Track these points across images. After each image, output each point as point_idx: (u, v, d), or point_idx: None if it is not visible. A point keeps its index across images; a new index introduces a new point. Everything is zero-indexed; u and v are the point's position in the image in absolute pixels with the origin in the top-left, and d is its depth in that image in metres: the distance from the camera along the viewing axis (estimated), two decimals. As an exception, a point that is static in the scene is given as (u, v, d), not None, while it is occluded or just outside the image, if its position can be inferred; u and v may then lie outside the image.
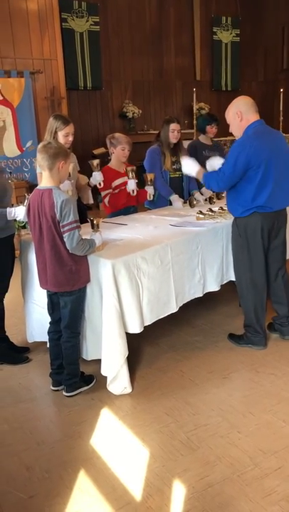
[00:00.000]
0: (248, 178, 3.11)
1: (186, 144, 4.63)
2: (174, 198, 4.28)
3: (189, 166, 3.56)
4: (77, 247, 2.71)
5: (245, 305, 3.44)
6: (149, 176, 4.05)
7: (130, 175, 3.90)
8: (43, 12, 6.62)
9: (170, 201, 4.33)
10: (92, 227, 2.99)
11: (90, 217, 3.07)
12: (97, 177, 3.77)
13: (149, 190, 4.08)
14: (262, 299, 3.38)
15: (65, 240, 2.70)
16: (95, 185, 3.87)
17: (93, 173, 3.76)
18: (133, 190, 3.94)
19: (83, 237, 2.77)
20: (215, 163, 3.38)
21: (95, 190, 4.02)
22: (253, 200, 3.14)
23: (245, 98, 3.21)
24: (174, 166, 4.33)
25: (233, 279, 3.68)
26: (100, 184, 3.81)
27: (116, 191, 4.02)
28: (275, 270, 3.42)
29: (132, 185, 3.91)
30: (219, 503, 2.09)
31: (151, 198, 4.16)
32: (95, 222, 2.98)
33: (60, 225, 2.68)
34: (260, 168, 3.06)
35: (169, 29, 9.70)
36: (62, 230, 2.69)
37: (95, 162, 3.74)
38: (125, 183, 3.97)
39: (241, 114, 3.12)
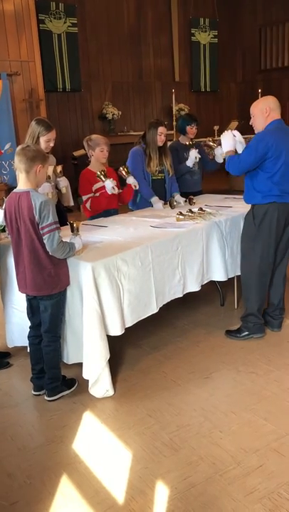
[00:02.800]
0: (268, 168, 3.24)
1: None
2: (155, 199, 4.29)
3: (229, 141, 3.50)
4: (57, 249, 2.70)
5: (249, 293, 3.50)
6: (123, 169, 4.06)
7: (103, 178, 3.88)
8: (20, 13, 6.59)
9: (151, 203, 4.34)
10: (72, 231, 2.97)
11: (70, 220, 3.05)
12: (60, 183, 3.75)
13: (131, 180, 4.08)
14: (266, 288, 3.51)
15: (45, 241, 2.68)
16: (76, 188, 3.85)
17: (57, 180, 3.74)
18: (113, 187, 3.91)
19: (63, 240, 2.75)
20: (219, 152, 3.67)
21: (76, 193, 4.00)
22: (271, 188, 3.27)
23: (274, 97, 3.38)
24: (157, 168, 4.34)
25: (214, 279, 3.71)
26: (64, 189, 3.78)
27: (97, 194, 4.01)
28: (279, 259, 3.51)
29: (109, 185, 3.89)
30: (202, 502, 2.10)
31: (137, 187, 4.14)
32: (74, 225, 2.96)
33: (40, 227, 2.66)
34: (280, 159, 3.21)
35: (147, 30, 9.74)
36: (41, 232, 2.67)
37: (58, 168, 3.72)
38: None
39: (269, 110, 3.27)
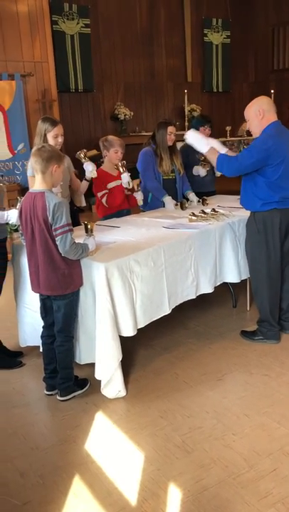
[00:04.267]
0: (268, 173, 3.17)
1: (178, 145, 4.63)
2: (167, 199, 4.28)
3: (198, 140, 3.43)
4: (69, 251, 2.70)
5: (261, 300, 3.46)
6: (135, 183, 4.05)
7: (122, 169, 3.88)
8: (34, 14, 6.61)
9: (163, 202, 4.33)
10: (86, 232, 2.97)
11: (84, 221, 3.06)
12: (88, 167, 3.72)
13: (138, 196, 4.10)
14: (277, 294, 3.45)
15: (57, 243, 2.69)
16: (90, 186, 3.86)
17: (84, 165, 3.72)
18: (128, 183, 3.90)
19: (76, 241, 2.76)
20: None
21: (87, 193, 4.00)
22: (272, 195, 3.20)
23: (267, 98, 3.30)
24: (169, 168, 4.33)
25: (227, 280, 3.69)
26: (93, 172, 3.75)
27: (111, 192, 4.01)
28: (285, 263, 3.46)
29: (125, 178, 3.88)
30: (215, 506, 2.09)
31: (142, 203, 4.20)
32: (89, 226, 2.97)
33: (53, 228, 2.67)
34: (281, 165, 3.14)
35: (159, 30, 9.71)
36: (54, 234, 2.67)
37: (82, 153, 3.71)
38: (119, 186, 3.95)
39: (263, 113, 3.18)
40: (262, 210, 3.26)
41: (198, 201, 4.33)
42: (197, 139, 3.46)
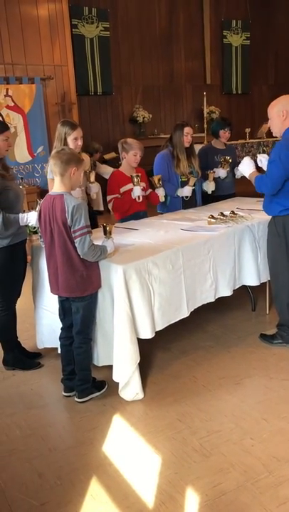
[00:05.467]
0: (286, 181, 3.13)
1: (197, 148, 4.62)
2: (180, 191, 4.25)
3: (246, 166, 3.50)
4: (88, 253, 2.71)
5: (281, 304, 3.43)
6: (156, 178, 4.08)
7: (135, 181, 3.90)
8: (54, 19, 6.68)
9: (182, 204, 4.31)
10: (105, 234, 2.98)
11: (103, 223, 3.07)
12: (92, 189, 3.85)
13: (160, 192, 4.13)
14: None
15: (76, 245, 2.70)
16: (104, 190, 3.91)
17: (88, 185, 3.83)
18: (139, 197, 3.93)
19: (95, 243, 2.77)
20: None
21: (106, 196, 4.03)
22: None
23: None
24: (187, 170, 4.32)
25: (246, 283, 3.66)
26: (94, 195, 3.92)
27: (121, 197, 4.02)
28: None
29: (137, 191, 3.91)
30: (233, 511, 2.07)
31: (163, 200, 4.19)
32: (107, 228, 2.98)
33: (72, 230, 2.68)
34: None
35: (178, 33, 9.72)
36: (73, 235, 2.69)
37: (92, 176, 3.81)
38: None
39: (287, 114, 3.12)
40: (281, 214, 3.24)
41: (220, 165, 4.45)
42: (247, 166, 3.50)
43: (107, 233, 2.97)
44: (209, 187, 4.46)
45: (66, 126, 3.52)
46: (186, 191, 4.25)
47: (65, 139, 3.50)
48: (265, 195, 3.33)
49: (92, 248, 2.73)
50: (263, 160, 3.43)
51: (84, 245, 2.69)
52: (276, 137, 3.53)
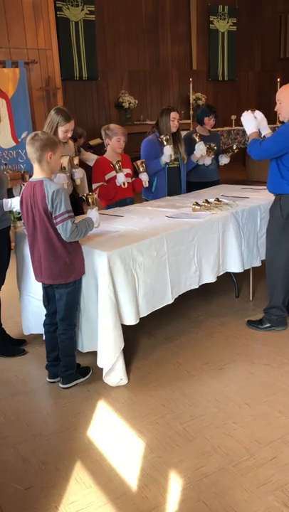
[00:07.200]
0: None
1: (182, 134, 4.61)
2: (164, 154, 4.16)
3: (249, 122, 3.42)
4: (72, 237, 2.70)
5: (274, 286, 3.46)
6: (139, 162, 4.05)
7: (117, 168, 3.88)
8: (38, 1, 6.54)
9: (168, 192, 4.31)
10: (88, 204, 2.97)
11: (84, 193, 3.06)
12: (75, 174, 3.80)
13: (143, 177, 4.10)
14: None
15: (59, 231, 2.69)
16: (90, 177, 3.87)
17: (72, 170, 3.78)
18: (124, 183, 3.92)
19: (79, 219, 2.75)
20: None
21: (91, 182, 4.00)
22: None
23: None
24: (173, 155, 4.30)
25: (230, 270, 3.69)
26: (78, 180, 3.86)
27: (107, 184, 4.00)
28: None
29: (121, 178, 3.90)
30: (214, 492, 2.11)
31: (147, 185, 4.17)
32: (90, 199, 2.98)
33: (53, 216, 2.66)
34: None
35: (165, 18, 9.62)
36: (54, 222, 2.67)
37: (75, 160, 3.76)
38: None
39: None
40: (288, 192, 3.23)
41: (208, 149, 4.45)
42: (248, 120, 3.42)
43: (90, 203, 2.96)
44: (223, 160, 4.68)
45: (60, 115, 3.48)
46: (165, 150, 4.12)
47: (57, 127, 3.47)
48: (274, 174, 3.32)
49: (76, 231, 2.70)
50: (258, 116, 3.41)
51: (66, 231, 2.67)
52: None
